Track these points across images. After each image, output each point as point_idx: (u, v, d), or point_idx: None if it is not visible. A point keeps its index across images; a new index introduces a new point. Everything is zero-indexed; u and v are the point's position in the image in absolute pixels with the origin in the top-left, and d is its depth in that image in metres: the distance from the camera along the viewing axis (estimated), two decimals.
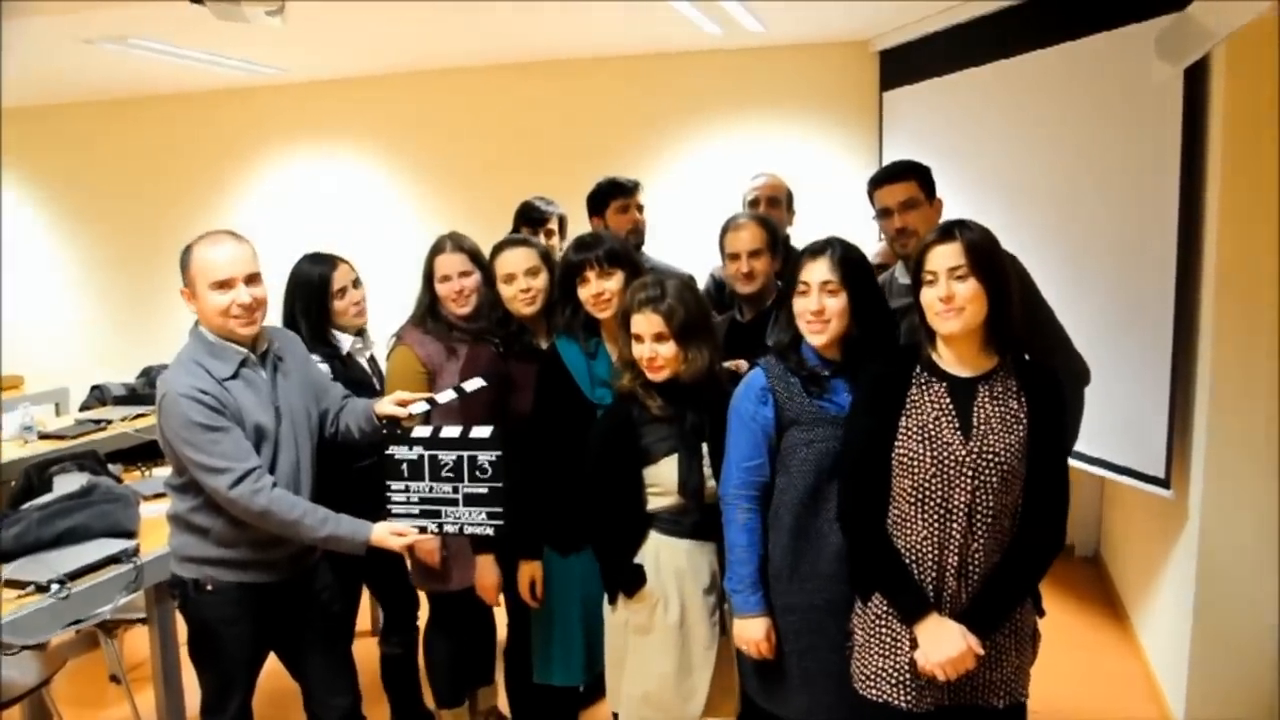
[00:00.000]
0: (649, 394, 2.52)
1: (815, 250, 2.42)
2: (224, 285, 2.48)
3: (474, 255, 3.17)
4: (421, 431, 2.60)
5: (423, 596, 3.32)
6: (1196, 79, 3.33)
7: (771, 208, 3.80)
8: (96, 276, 7.58)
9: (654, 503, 2.53)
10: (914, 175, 2.99)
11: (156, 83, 6.62)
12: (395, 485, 2.62)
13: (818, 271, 2.38)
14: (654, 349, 2.47)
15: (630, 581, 2.53)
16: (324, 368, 3.10)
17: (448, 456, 2.56)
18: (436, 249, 3.17)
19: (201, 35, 5.08)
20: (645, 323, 2.47)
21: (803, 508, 2.36)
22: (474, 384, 2.66)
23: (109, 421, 5.30)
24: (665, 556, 2.53)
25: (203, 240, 2.52)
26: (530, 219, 3.93)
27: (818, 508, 2.36)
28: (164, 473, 3.22)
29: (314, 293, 3.21)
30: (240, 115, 7.03)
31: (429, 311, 3.16)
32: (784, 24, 5.39)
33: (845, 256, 2.40)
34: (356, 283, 3.30)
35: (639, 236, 3.89)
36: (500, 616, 3.18)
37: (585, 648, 2.83)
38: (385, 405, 2.68)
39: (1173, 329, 3.50)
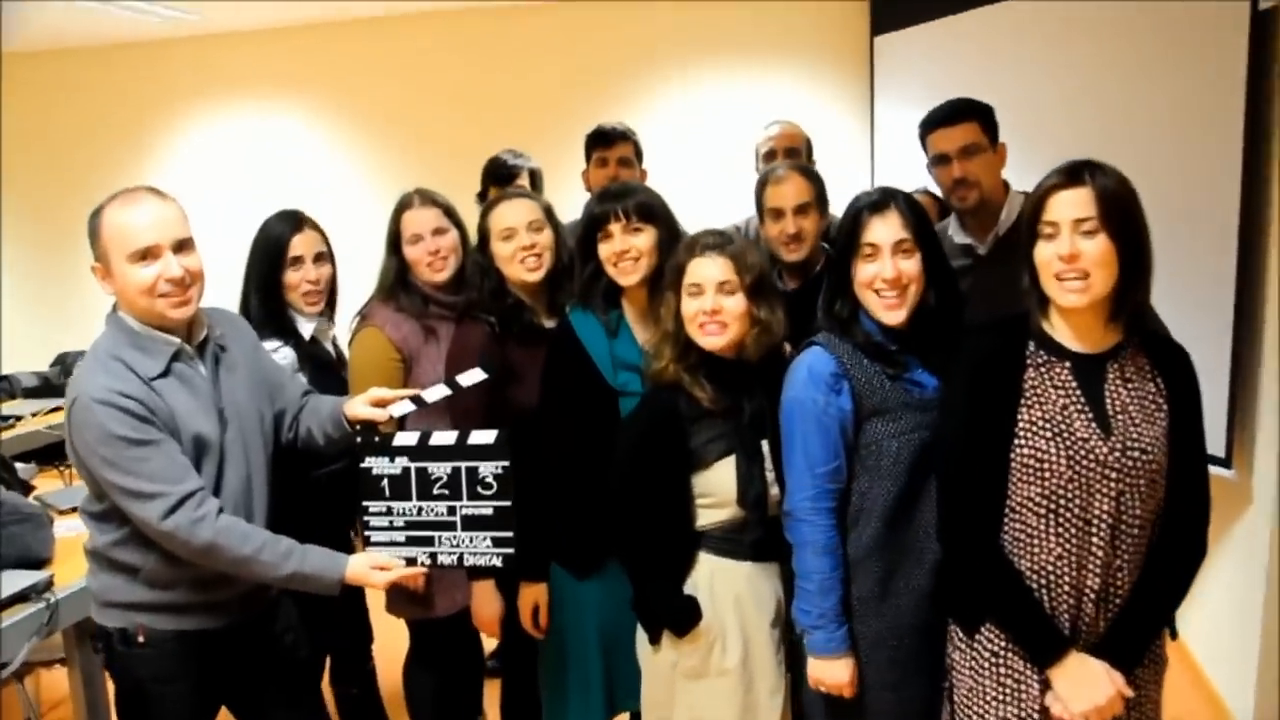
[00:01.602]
0: (697, 381, 2.06)
1: (877, 204, 1.99)
2: (147, 255, 1.95)
3: (448, 211, 2.67)
4: (406, 438, 2.09)
5: (388, 621, 2.79)
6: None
7: (788, 159, 3.32)
8: (2, 252, 6.87)
9: (705, 517, 2.08)
10: (976, 116, 2.58)
11: (62, 35, 5.92)
12: (374, 506, 2.11)
13: (886, 230, 1.96)
14: (718, 300, 2.03)
15: (681, 617, 2.07)
16: (282, 355, 2.58)
17: (440, 469, 2.06)
18: (402, 205, 2.66)
19: None
20: (708, 267, 2.06)
21: (895, 515, 1.94)
22: (472, 376, 2.15)
23: (18, 418, 4.72)
24: (721, 583, 2.08)
25: (115, 201, 1.98)
26: (498, 176, 3.42)
27: (912, 514, 1.95)
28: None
29: (268, 258, 2.69)
30: (161, 70, 6.37)
31: (399, 282, 2.63)
32: None
33: (914, 209, 1.99)
34: (321, 258, 2.75)
35: None
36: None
37: (605, 686, 2.38)
38: (358, 406, 2.16)
39: (1234, 296, 3.16)
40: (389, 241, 2.65)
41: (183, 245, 2.00)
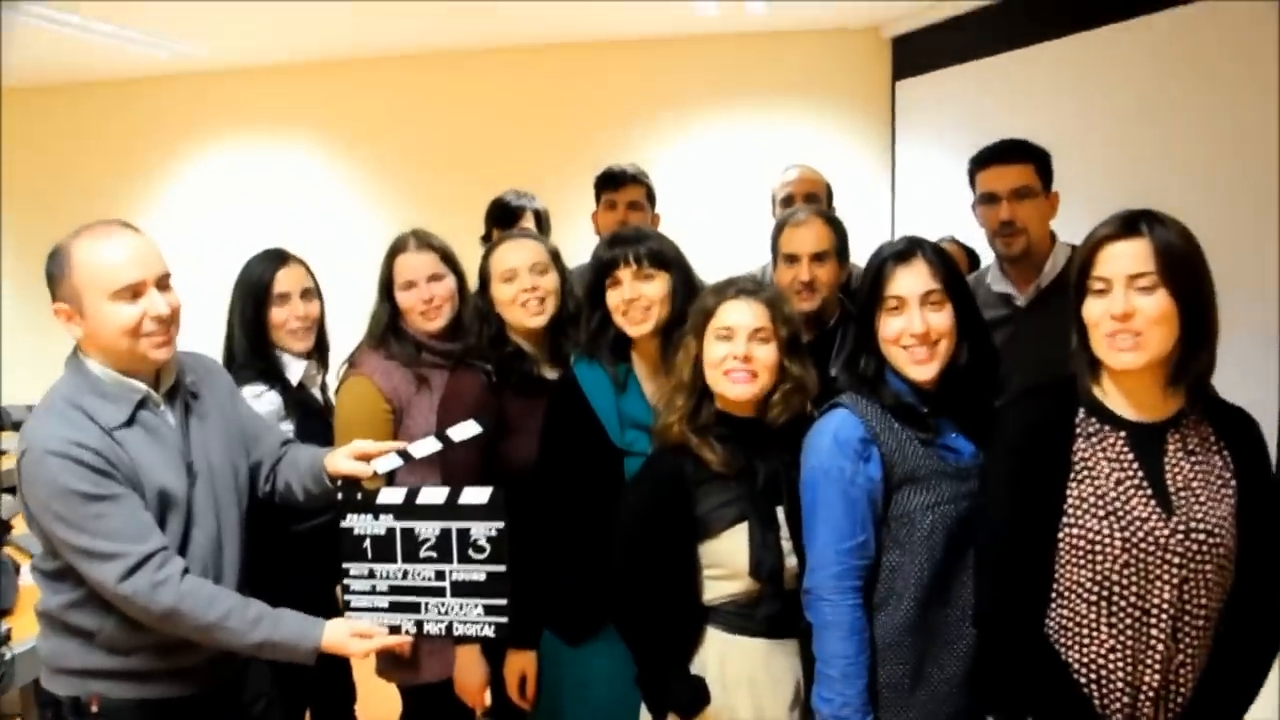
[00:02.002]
0: (706, 442, 1.89)
1: (902, 253, 1.84)
2: (132, 293, 1.80)
3: (445, 256, 2.51)
4: (391, 495, 1.91)
5: (375, 679, 2.59)
6: None
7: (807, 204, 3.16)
8: (2, 285, 6.75)
9: (714, 590, 1.90)
10: (1032, 158, 2.44)
11: (73, 68, 5.84)
12: (355, 569, 1.93)
13: (913, 280, 1.81)
14: (750, 348, 1.87)
15: (688, 700, 1.87)
16: (267, 401, 2.41)
17: (429, 529, 1.88)
18: (396, 248, 2.50)
19: (116, 8, 4.36)
20: (742, 312, 1.90)
21: (929, 594, 1.76)
22: (466, 430, 1.97)
23: (4, 452, 4.52)
24: (733, 663, 1.89)
25: (84, 236, 1.83)
26: (502, 217, 3.26)
27: (947, 593, 1.77)
28: None
29: (251, 297, 2.52)
30: (166, 104, 6.27)
31: (390, 329, 2.47)
32: (788, 7, 4.91)
33: (942, 259, 1.84)
34: (309, 294, 2.59)
35: None
36: None
37: None
38: (340, 460, 1.99)
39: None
40: (381, 286, 2.49)
41: (164, 281, 1.85)
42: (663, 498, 1.88)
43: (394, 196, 5.97)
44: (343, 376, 2.47)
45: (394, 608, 1.91)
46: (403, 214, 5.59)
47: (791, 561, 1.86)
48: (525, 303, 2.28)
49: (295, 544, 2.40)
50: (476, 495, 1.86)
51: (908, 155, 5.14)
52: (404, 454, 1.96)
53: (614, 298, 2.11)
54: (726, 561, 1.87)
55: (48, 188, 6.53)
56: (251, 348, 2.50)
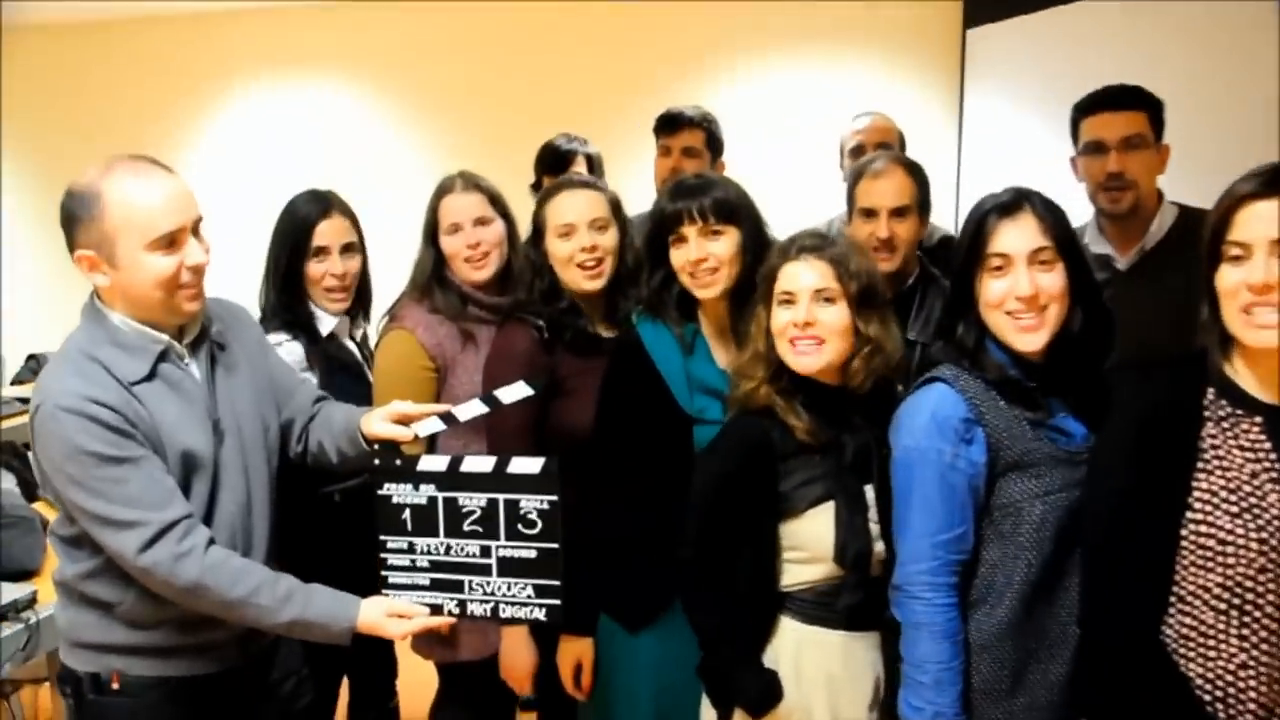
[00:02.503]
0: (792, 408, 1.71)
1: (1008, 206, 1.63)
2: (168, 242, 1.64)
3: (494, 199, 2.33)
4: (433, 463, 1.75)
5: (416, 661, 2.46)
6: None
7: None
8: (41, 227, 6.65)
9: (793, 575, 1.73)
10: (1145, 106, 2.23)
11: (92, 8, 5.67)
12: (393, 542, 1.77)
13: (1020, 237, 1.60)
14: (813, 311, 1.69)
15: (757, 695, 1.71)
16: (286, 352, 2.24)
17: (474, 501, 1.72)
18: (442, 189, 2.32)
19: None
20: (803, 273, 1.72)
21: (1034, 592, 1.58)
22: (515, 391, 1.79)
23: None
24: (810, 656, 1.73)
25: (119, 173, 1.65)
26: (552, 163, 3.06)
27: (1055, 592, 1.59)
28: None
29: (290, 245, 2.35)
30: (203, 45, 6.08)
31: (434, 278, 2.29)
32: None
33: (1053, 213, 1.63)
34: (350, 250, 2.41)
35: None
36: None
37: None
38: (377, 422, 1.82)
39: None
40: (426, 230, 2.31)
41: (198, 226, 1.70)
42: (747, 467, 1.70)
43: (436, 139, 5.74)
44: (383, 330, 2.31)
45: (435, 585, 1.76)
46: (445, 158, 5.42)
47: (879, 547, 1.69)
48: (582, 264, 2.09)
49: (326, 510, 2.27)
50: (527, 465, 1.69)
51: (976, 105, 4.88)
52: (447, 417, 1.79)
53: (678, 257, 1.93)
54: (809, 544, 1.70)
55: (51, 130, 6.40)
56: (281, 300, 2.34)
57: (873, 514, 1.70)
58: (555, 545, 1.69)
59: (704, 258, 1.89)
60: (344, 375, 2.36)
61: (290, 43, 6.00)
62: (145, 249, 1.62)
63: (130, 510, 1.60)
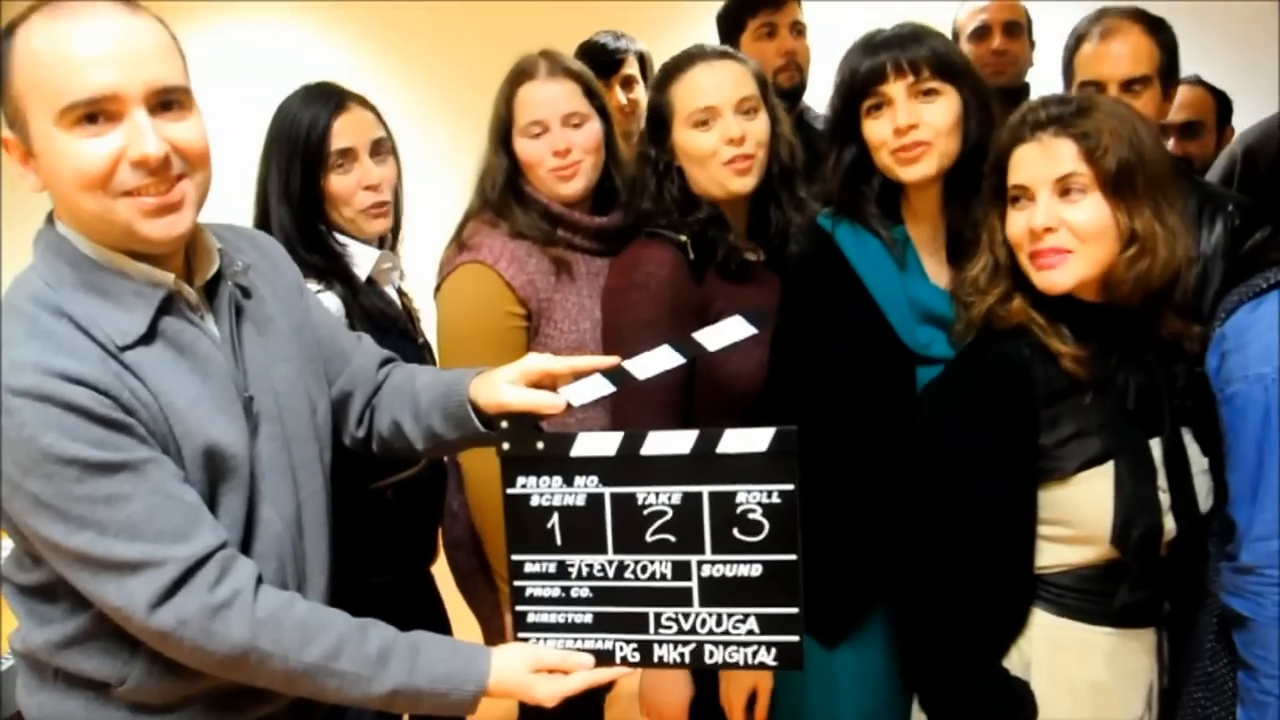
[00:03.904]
0: (1057, 329, 1.31)
1: None
2: (98, 113, 1.03)
3: (589, 89, 1.76)
4: (596, 444, 1.15)
5: None
6: None
7: (1009, 38, 2.40)
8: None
9: (1052, 556, 1.34)
10: None
11: None
12: (534, 562, 1.18)
13: None
14: (1054, 210, 1.28)
15: (1004, 712, 1.33)
16: (326, 302, 1.63)
17: (662, 496, 1.14)
18: (519, 75, 1.74)
19: None
20: (1038, 158, 1.30)
21: None
22: (732, 331, 1.15)
23: None
24: (1070, 660, 1.35)
25: (44, 13, 1.04)
26: (595, 65, 2.45)
27: None
28: None
29: (298, 159, 1.70)
30: None
31: (510, 192, 1.71)
32: None
33: None
34: (381, 148, 1.77)
35: (795, 77, 2.36)
36: None
37: None
38: (506, 388, 1.19)
39: None
40: (496, 131, 1.73)
41: (167, 98, 1.06)
42: (996, 408, 1.30)
43: (438, 50, 4.94)
44: (447, 265, 1.70)
45: (602, 623, 1.18)
46: (447, 74, 4.66)
47: (1169, 524, 1.31)
48: (731, 159, 1.55)
49: (374, 509, 1.68)
50: (748, 439, 1.11)
51: None
52: (618, 373, 1.19)
53: (877, 128, 1.44)
54: (1078, 518, 1.31)
55: None
56: (302, 234, 1.70)
57: (1162, 479, 1.32)
58: (792, 557, 1.12)
59: (914, 124, 1.40)
60: (390, 335, 1.74)
61: None
62: (55, 123, 1.01)
63: (135, 545, 1.00)
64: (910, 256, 1.48)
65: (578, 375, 1.19)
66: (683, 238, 1.56)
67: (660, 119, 1.62)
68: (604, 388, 1.17)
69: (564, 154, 1.67)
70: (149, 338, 1.07)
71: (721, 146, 1.55)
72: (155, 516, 1.02)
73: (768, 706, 1.55)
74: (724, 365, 1.50)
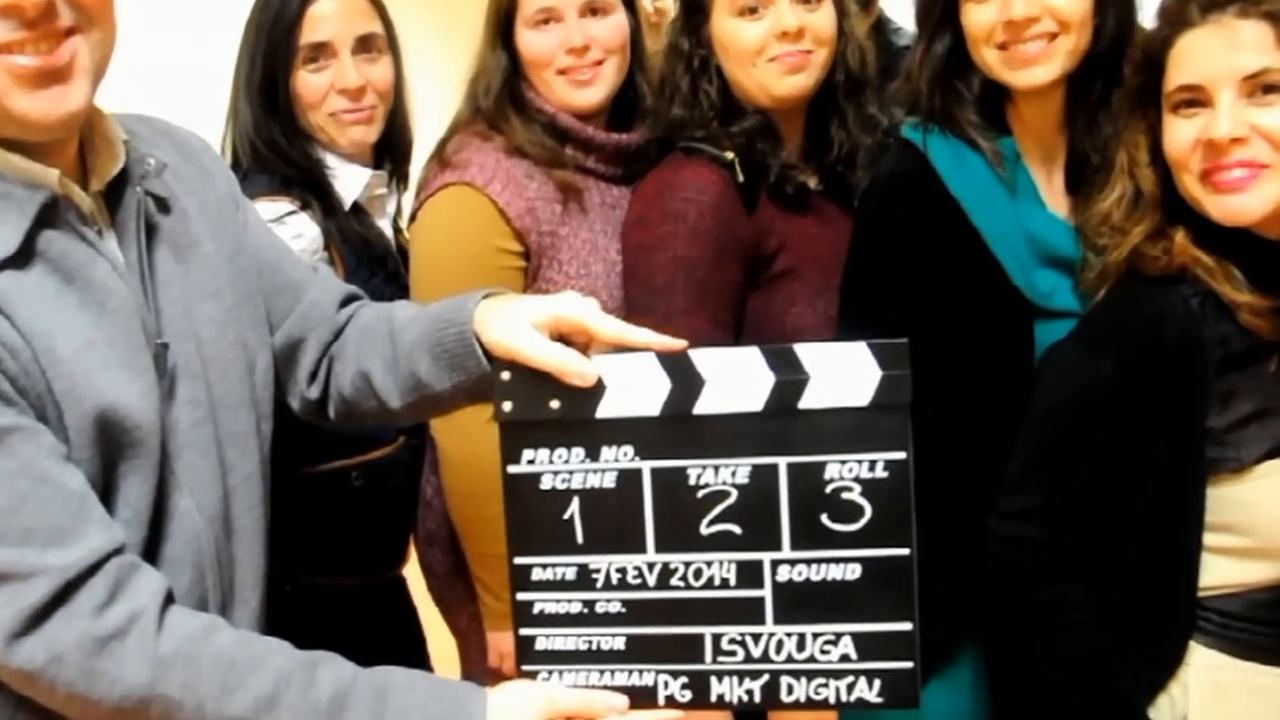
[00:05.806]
0: (1230, 273, 1.07)
1: None
2: None
3: None
4: (630, 402, 0.84)
5: None
6: None
7: None
8: None
9: (1218, 574, 1.11)
10: None
11: None
12: (544, 567, 0.87)
13: None
14: (1240, 113, 1.03)
15: None
16: (295, 234, 1.35)
17: (722, 473, 0.83)
18: None
19: None
20: (1222, 47, 1.05)
21: None
22: (855, 363, 0.80)
23: None
24: (1239, 711, 1.12)
25: None
26: None
27: None
28: None
29: (265, 51, 1.42)
30: None
31: (509, 98, 1.41)
32: None
33: None
34: (369, 44, 1.46)
35: None
36: None
37: None
38: (527, 331, 0.87)
39: None
40: (494, 20, 1.42)
41: None
42: (1154, 376, 1.07)
43: None
44: (425, 187, 1.41)
45: (637, 649, 0.87)
46: None
47: None
48: (779, 57, 1.28)
49: (336, 499, 1.42)
50: (841, 387, 0.81)
51: None
52: (677, 363, 0.86)
53: (981, 15, 1.16)
54: (1256, 524, 1.09)
55: None
56: (266, 138, 1.41)
57: None
58: (905, 551, 0.82)
59: (1034, 16, 1.12)
60: (381, 275, 1.47)
61: None
62: None
63: None
64: (1022, 178, 1.20)
65: (621, 347, 0.88)
66: (729, 155, 1.27)
67: (697, 9, 1.33)
68: (654, 377, 0.84)
69: (580, 52, 1.37)
70: (22, 258, 0.80)
71: (771, 41, 1.27)
72: (22, 509, 0.76)
73: None
74: (780, 319, 1.25)
